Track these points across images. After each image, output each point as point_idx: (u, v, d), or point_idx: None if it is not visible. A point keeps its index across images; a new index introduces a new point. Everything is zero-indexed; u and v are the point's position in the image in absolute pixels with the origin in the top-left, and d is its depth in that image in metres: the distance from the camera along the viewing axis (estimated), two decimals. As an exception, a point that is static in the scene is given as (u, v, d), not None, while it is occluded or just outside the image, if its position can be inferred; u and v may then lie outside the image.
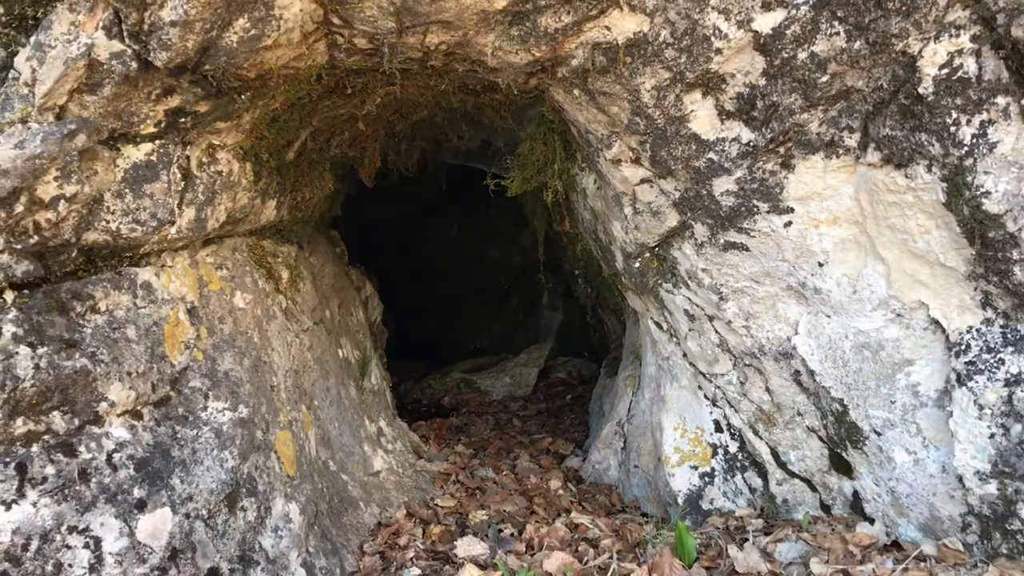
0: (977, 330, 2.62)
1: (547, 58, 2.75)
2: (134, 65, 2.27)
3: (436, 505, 3.79)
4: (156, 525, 2.23)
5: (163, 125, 2.48)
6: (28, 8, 2.31)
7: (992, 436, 2.58)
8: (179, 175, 2.59)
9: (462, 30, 2.59)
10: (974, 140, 2.38)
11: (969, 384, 2.62)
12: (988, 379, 2.59)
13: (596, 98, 2.91)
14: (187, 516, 2.33)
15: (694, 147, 2.86)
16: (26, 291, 2.17)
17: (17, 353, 2.04)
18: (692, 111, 2.78)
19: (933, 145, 2.46)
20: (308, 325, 3.67)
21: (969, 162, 2.41)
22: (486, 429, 5.93)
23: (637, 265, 3.53)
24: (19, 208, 2.14)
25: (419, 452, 4.57)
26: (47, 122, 2.21)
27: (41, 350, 2.09)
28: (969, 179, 2.42)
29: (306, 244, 4.08)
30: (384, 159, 4.46)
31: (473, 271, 9.13)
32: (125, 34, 2.24)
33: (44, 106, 2.22)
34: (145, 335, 2.42)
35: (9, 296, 2.12)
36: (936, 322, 2.71)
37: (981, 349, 2.61)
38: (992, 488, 2.58)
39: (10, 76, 2.26)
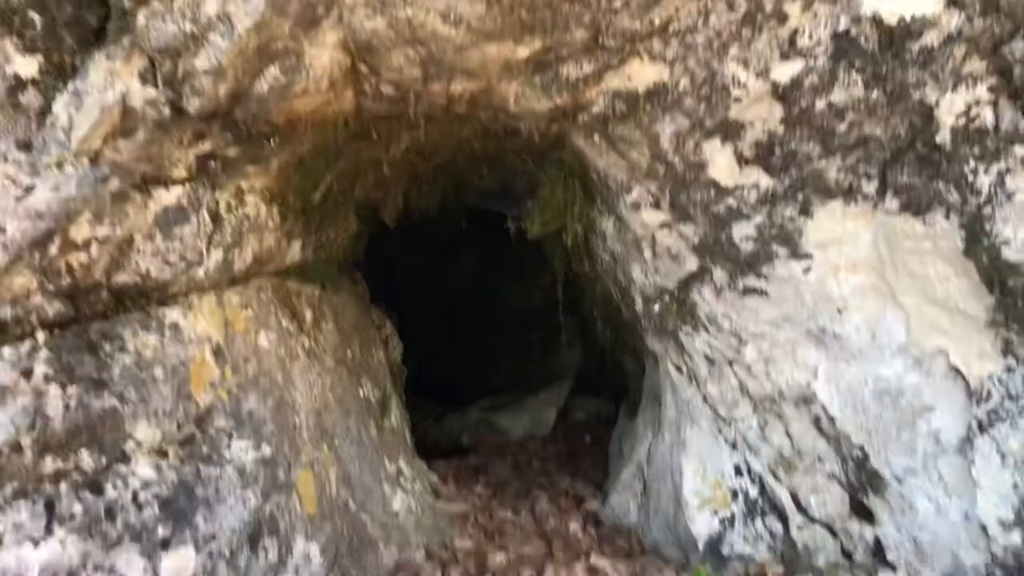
0: (998, 378, 2.62)
1: (568, 105, 2.80)
2: (167, 112, 2.33)
3: (455, 546, 3.78)
4: (179, 564, 2.25)
5: (194, 169, 2.55)
6: (67, 56, 2.38)
7: (1015, 485, 2.56)
8: (208, 218, 2.65)
9: (486, 78, 2.65)
10: (992, 189, 2.41)
11: (991, 432, 2.62)
12: (1010, 427, 2.58)
13: (616, 144, 2.96)
14: (210, 555, 2.35)
15: (713, 193, 2.89)
16: (57, 331, 2.22)
17: (47, 392, 2.09)
18: (711, 158, 2.82)
19: (951, 193, 2.48)
20: (330, 365, 3.70)
21: (987, 210, 2.43)
22: (505, 469, 5.91)
23: (656, 308, 3.55)
24: (53, 250, 2.20)
25: (438, 492, 4.57)
26: (82, 166, 2.27)
27: (71, 389, 2.14)
28: (987, 227, 2.43)
29: (329, 283, 4.13)
30: (406, 200, 4.52)
31: (492, 310, 9.14)
32: (159, 81, 2.30)
33: (80, 151, 2.28)
34: (172, 375, 2.46)
35: (41, 336, 2.17)
36: (956, 369, 2.71)
37: (1003, 397, 2.61)
38: (1016, 537, 2.56)
39: (48, 122, 2.33)
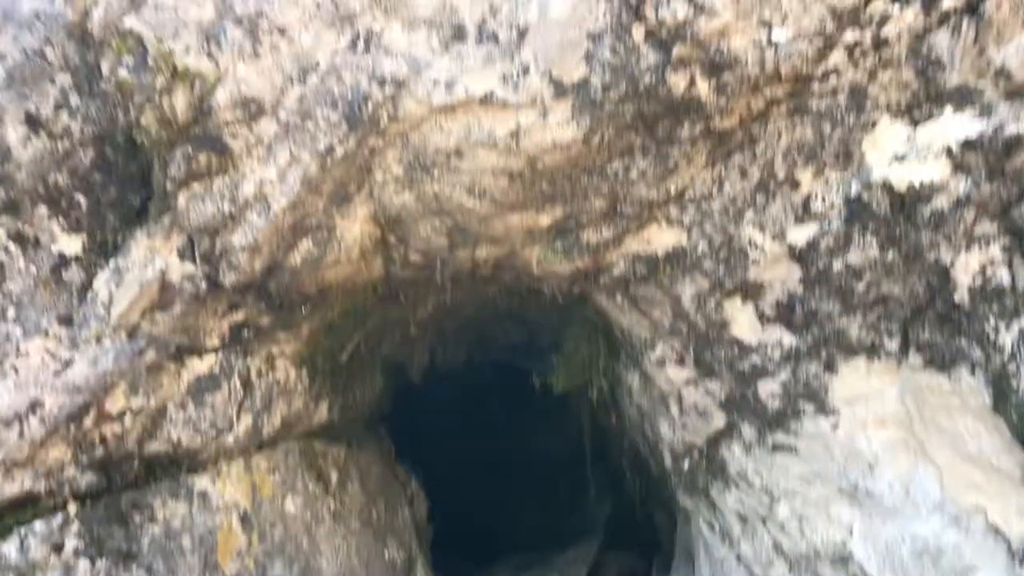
0: (1040, 537, 2.55)
1: (589, 267, 2.87)
2: (203, 285, 2.42)
3: None
4: None
5: (227, 338, 2.62)
6: (109, 234, 2.50)
7: (1068, 651, 2.45)
8: (239, 384, 2.70)
9: (509, 244, 2.74)
10: (1015, 346, 2.41)
11: (1037, 594, 2.52)
12: (1057, 589, 2.49)
13: (638, 303, 3.02)
14: None
15: (737, 350, 2.92)
16: (89, 502, 2.24)
17: (77, 567, 2.08)
18: (733, 316, 2.86)
19: (974, 350, 2.49)
20: (355, 527, 3.66)
21: (1012, 367, 2.42)
22: (534, 632, 5.70)
23: (686, 465, 3.51)
24: (88, 422, 2.25)
25: (465, 659, 4.40)
26: (120, 340, 2.35)
27: (100, 563, 2.13)
28: (1014, 384, 2.42)
29: (355, 442, 4.13)
30: (432, 356, 4.57)
31: (518, 462, 9.03)
32: (197, 257, 2.40)
33: (118, 325, 2.36)
34: (199, 544, 2.45)
35: (72, 508, 2.19)
36: (996, 528, 2.64)
37: (1046, 557, 2.53)
38: None
39: (88, 297, 2.43)
